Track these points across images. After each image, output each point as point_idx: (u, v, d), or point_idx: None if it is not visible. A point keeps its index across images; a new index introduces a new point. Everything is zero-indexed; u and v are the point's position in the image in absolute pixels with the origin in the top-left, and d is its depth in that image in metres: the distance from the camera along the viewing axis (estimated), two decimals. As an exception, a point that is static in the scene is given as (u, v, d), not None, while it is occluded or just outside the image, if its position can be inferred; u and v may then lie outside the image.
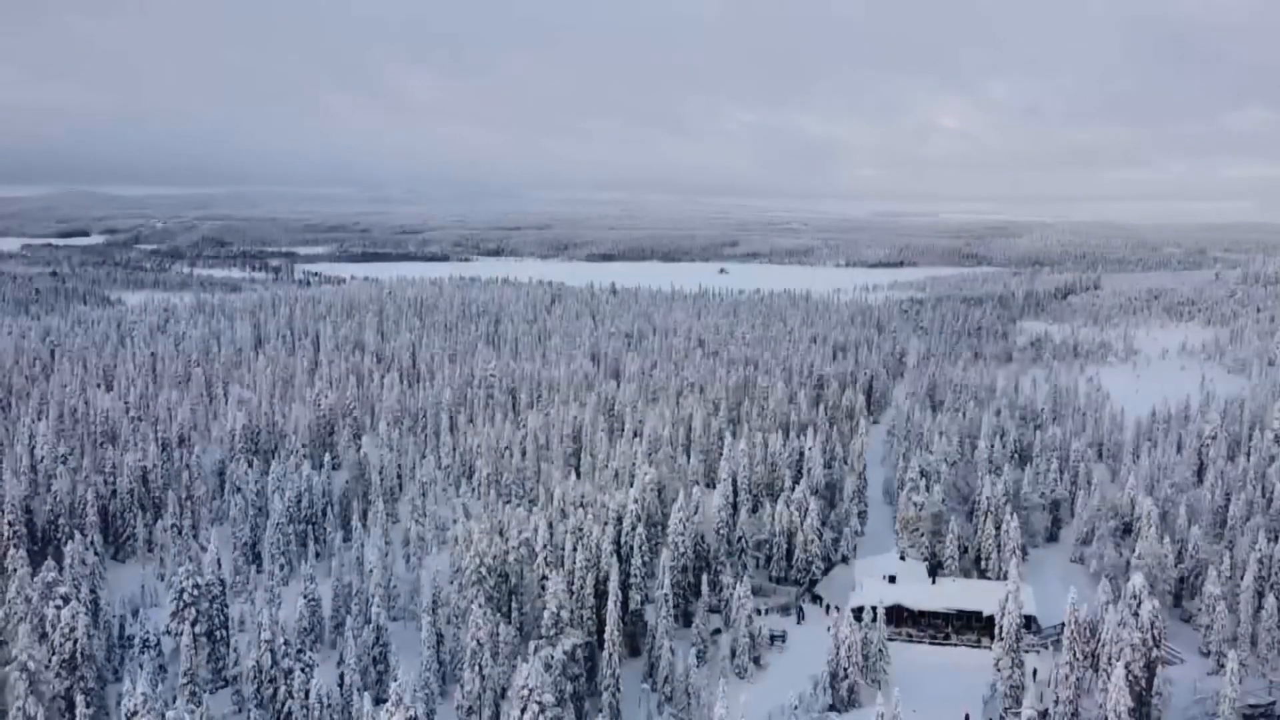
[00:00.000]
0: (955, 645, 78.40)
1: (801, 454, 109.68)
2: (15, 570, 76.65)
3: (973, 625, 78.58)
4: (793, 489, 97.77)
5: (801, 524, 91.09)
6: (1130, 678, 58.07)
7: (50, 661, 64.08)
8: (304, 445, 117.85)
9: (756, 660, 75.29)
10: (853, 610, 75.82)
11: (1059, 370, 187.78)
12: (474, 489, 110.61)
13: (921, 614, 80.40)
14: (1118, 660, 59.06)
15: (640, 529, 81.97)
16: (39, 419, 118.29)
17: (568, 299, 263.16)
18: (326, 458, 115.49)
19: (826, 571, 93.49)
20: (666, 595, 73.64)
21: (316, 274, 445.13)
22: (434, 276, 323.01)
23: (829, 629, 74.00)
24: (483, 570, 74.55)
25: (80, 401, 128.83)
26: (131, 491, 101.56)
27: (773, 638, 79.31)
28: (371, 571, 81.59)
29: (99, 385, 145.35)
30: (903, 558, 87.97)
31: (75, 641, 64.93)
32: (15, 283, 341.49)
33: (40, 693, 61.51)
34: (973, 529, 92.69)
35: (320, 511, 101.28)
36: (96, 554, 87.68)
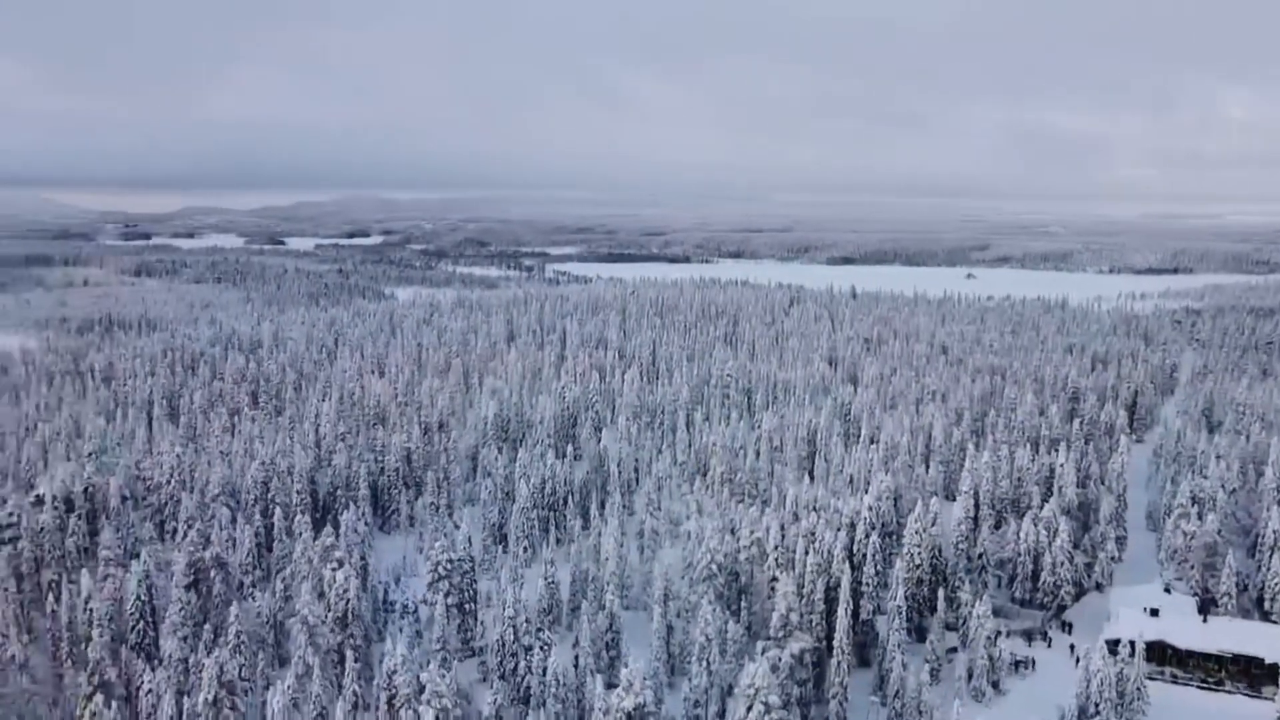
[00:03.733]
0: (1231, 693, 70.72)
1: (1052, 470, 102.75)
2: (300, 534, 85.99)
3: (1251, 672, 70.58)
4: (1041, 507, 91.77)
5: (1050, 545, 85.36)
6: None
7: (326, 618, 71.28)
8: (549, 435, 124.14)
9: (995, 685, 71.39)
10: (1106, 642, 70.18)
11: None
12: (707, 486, 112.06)
13: (1189, 654, 73.09)
14: None
15: (874, 537, 79.96)
16: (324, 400, 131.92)
17: (806, 302, 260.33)
18: (569, 448, 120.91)
19: (1077, 598, 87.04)
20: (900, 607, 71.41)
21: (565, 273, 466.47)
22: (675, 277, 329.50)
23: (1078, 660, 68.97)
24: (713, 567, 75.47)
25: (357, 386, 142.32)
26: (397, 470, 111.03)
27: (1015, 663, 74.89)
28: (607, 560, 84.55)
29: (373, 372, 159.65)
30: (1168, 590, 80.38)
31: (347, 602, 71.84)
32: (308, 278, 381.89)
33: (317, 644, 68.60)
34: (1255, 565, 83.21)
35: (562, 499, 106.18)
36: (366, 525, 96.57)
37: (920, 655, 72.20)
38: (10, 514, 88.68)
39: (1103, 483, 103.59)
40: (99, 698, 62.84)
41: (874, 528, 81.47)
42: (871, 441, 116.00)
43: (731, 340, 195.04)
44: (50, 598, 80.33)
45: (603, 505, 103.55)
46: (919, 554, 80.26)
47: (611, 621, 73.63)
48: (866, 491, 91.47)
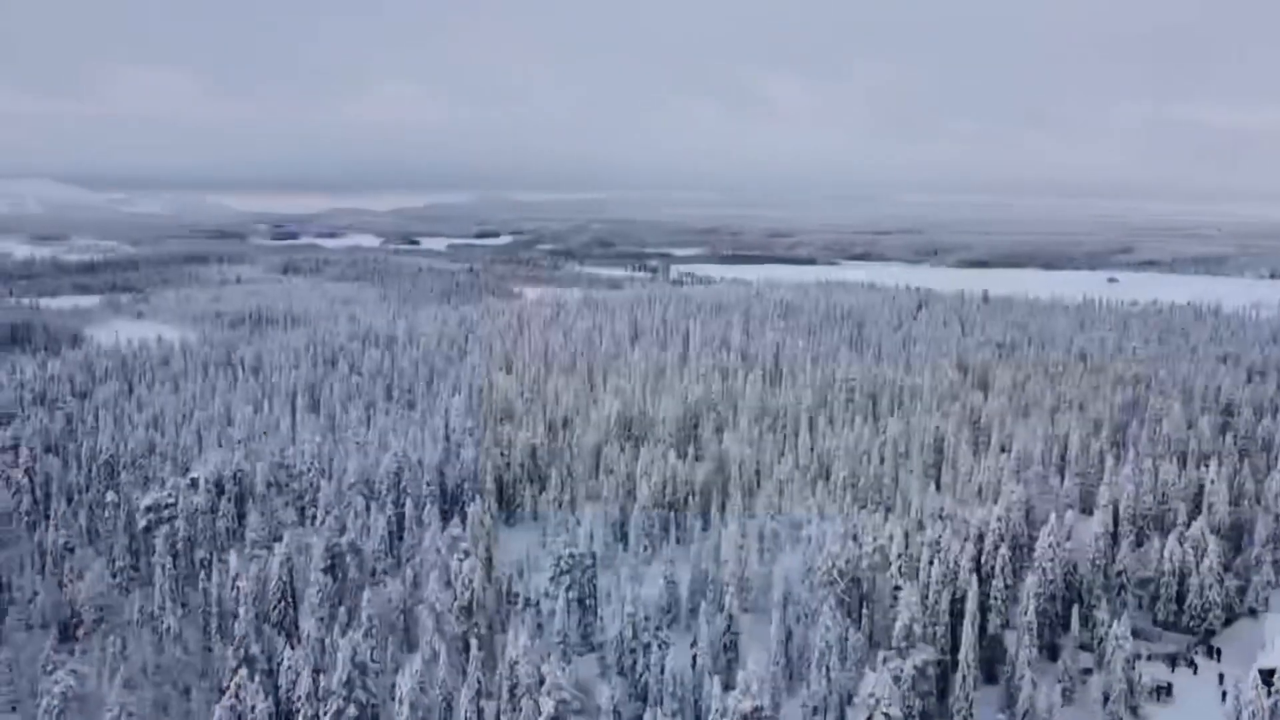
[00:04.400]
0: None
1: (1201, 486, 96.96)
2: (429, 524, 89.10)
3: None
4: (1188, 525, 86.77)
5: (1198, 565, 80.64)
6: None
7: (452, 606, 73.68)
8: (670, 435, 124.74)
9: (1134, 710, 67.95)
10: (1260, 672, 65.76)
11: None
12: (830, 491, 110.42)
13: (1353, 688, 67.83)
14: None
15: (1004, 549, 77.27)
16: (454, 395, 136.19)
17: (935, 305, 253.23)
18: (690, 449, 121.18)
19: (1228, 623, 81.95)
20: (1030, 623, 68.81)
21: (689, 274, 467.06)
22: (800, 279, 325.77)
23: (1225, 691, 64.95)
24: (835, 573, 74.40)
25: (486, 382, 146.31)
26: (522, 465, 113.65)
27: (1157, 689, 71.11)
28: (726, 562, 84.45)
29: (501, 368, 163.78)
30: (1331, 619, 74.88)
31: (472, 592, 74.06)
32: (441, 277, 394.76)
33: (444, 631, 70.97)
34: None
35: (682, 499, 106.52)
36: (492, 517, 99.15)
37: (1052, 675, 69.41)
38: (169, 495, 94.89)
39: (1259, 502, 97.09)
40: (243, 671, 66.63)
41: (1003, 539, 78.71)
42: (1002, 450, 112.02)
43: (856, 344, 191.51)
44: (202, 575, 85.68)
45: (723, 507, 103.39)
46: (1052, 569, 77.13)
47: (730, 623, 73.48)
48: (996, 502, 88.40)
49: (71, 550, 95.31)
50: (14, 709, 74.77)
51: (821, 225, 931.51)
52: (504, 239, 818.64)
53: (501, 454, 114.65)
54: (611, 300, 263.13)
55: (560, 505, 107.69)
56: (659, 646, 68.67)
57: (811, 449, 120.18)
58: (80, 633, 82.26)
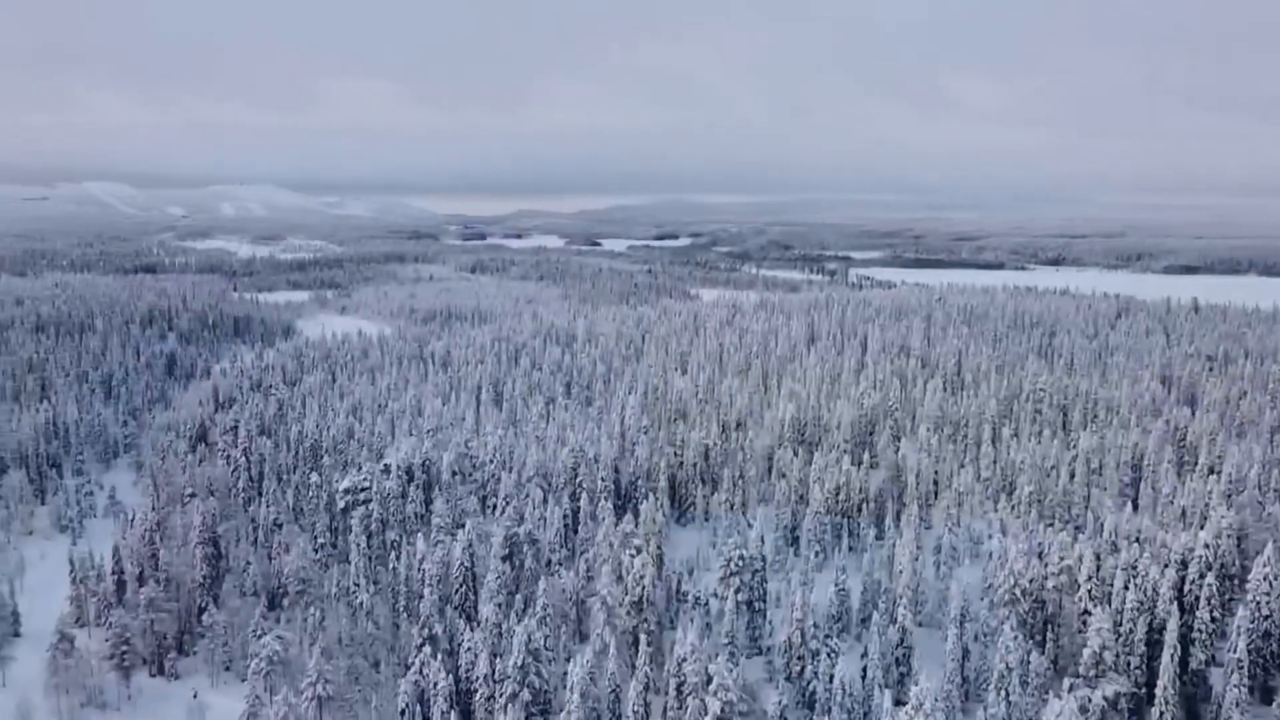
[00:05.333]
0: None
1: None
2: (603, 519, 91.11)
3: None
4: None
5: None
6: None
7: (623, 600, 75.11)
8: (845, 441, 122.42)
9: (1361, 764, 61.41)
10: None
11: None
12: (1013, 506, 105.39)
13: None
14: None
15: (1210, 579, 71.37)
16: (630, 393, 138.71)
17: (1136, 313, 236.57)
18: (865, 455, 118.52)
19: None
20: (1240, 661, 63.28)
21: (869, 278, 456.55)
22: (986, 284, 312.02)
23: None
24: (1017, 592, 71.05)
25: (661, 381, 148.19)
26: (695, 465, 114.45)
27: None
28: (901, 573, 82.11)
29: (676, 369, 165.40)
30: None
31: (643, 588, 75.21)
32: (620, 277, 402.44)
33: (614, 625, 72.43)
34: None
35: (856, 506, 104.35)
36: (664, 516, 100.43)
37: (1265, 718, 63.65)
38: (365, 479, 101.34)
39: None
40: (427, 649, 70.41)
41: (1210, 568, 72.72)
42: (1211, 472, 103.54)
43: (1046, 353, 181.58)
44: (392, 555, 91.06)
45: (898, 516, 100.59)
46: (1267, 603, 70.62)
47: (903, 636, 71.46)
48: (1203, 527, 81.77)
49: (280, 526, 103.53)
50: (228, 667, 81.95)
51: (1011, 227, 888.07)
52: (682, 241, 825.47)
53: (675, 453, 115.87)
54: (788, 303, 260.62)
55: (731, 507, 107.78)
56: (828, 655, 67.63)
57: (994, 461, 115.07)
58: (285, 602, 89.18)
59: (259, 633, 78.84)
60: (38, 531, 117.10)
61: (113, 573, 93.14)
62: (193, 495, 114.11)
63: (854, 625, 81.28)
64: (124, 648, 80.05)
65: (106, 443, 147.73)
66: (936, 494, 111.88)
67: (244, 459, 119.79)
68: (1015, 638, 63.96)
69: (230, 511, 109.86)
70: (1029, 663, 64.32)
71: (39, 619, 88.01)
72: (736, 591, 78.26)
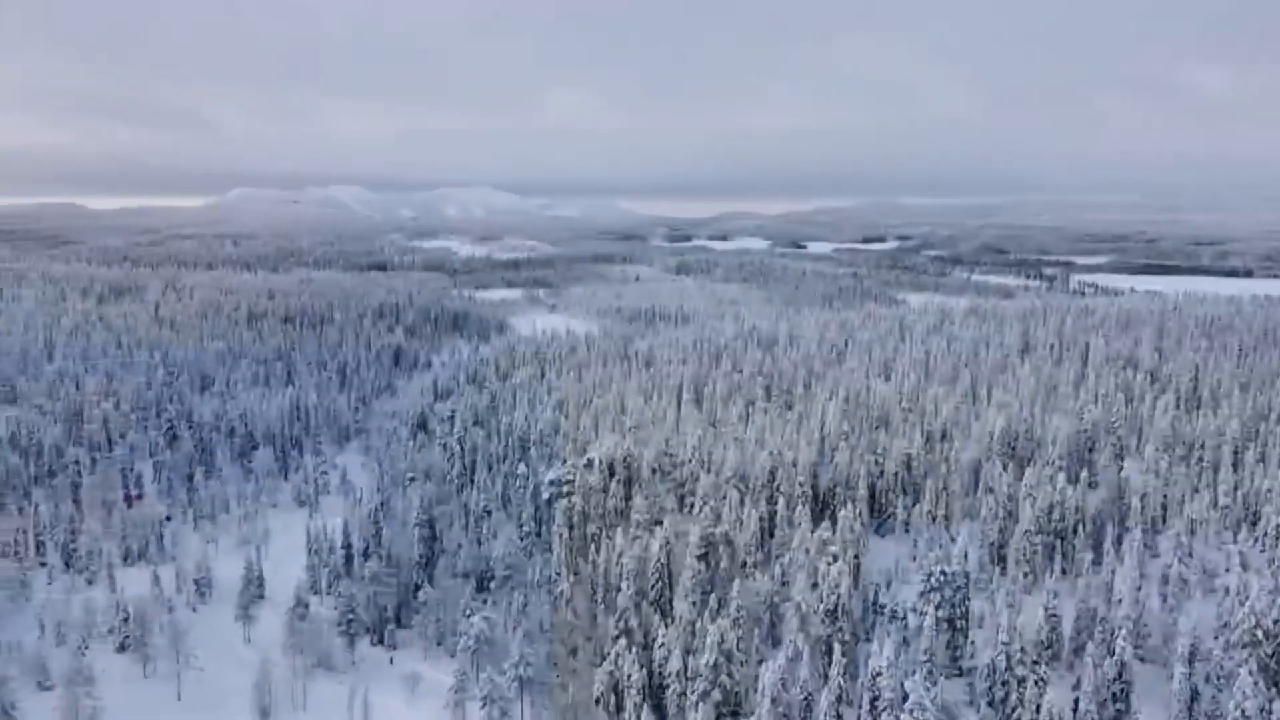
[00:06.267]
0: None
1: None
2: (800, 525, 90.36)
3: None
4: None
5: None
6: None
7: (817, 608, 74.23)
8: (1060, 457, 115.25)
9: None
10: None
11: None
12: (1256, 538, 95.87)
13: None
14: None
15: None
16: (830, 399, 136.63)
17: None
18: (1083, 473, 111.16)
19: None
20: None
21: (1093, 284, 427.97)
22: (1231, 293, 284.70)
23: None
24: (1259, 633, 64.73)
25: (863, 388, 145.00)
26: (896, 474, 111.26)
27: None
28: (1120, 601, 76.64)
29: (879, 375, 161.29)
30: None
31: (838, 596, 74.05)
32: (824, 281, 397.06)
33: (808, 632, 71.75)
34: None
35: (1071, 527, 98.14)
36: (862, 525, 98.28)
37: None
38: (568, 472, 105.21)
39: None
40: (623, 641, 72.37)
41: None
42: None
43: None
44: (592, 548, 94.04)
45: (1119, 540, 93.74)
46: None
47: (1121, 670, 66.67)
48: None
49: (489, 513, 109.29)
50: (439, 642, 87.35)
51: (1261, 231, 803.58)
52: (889, 244, 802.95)
53: (875, 461, 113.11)
54: (1001, 310, 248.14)
55: (934, 519, 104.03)
56: (1035, 682, 64.11)
57: (1235, 488, 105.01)
58: (492, 585, 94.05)
59: (468, 612, 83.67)
60: (280, 505, 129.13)
61: (342, 546, 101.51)
62: (412, 479, 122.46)
63: (1065, 654, 76.55)
64: (350, 616, 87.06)
65: (340, 426, 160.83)
66: (1164, 519, 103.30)
67: (459, 447, 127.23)
68: (1255, 683, 58.31)
69: (445, 496, 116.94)
70: (1270, 712, 58.47)
71: (280, 584, 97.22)
72: (937, 607, 75.54)
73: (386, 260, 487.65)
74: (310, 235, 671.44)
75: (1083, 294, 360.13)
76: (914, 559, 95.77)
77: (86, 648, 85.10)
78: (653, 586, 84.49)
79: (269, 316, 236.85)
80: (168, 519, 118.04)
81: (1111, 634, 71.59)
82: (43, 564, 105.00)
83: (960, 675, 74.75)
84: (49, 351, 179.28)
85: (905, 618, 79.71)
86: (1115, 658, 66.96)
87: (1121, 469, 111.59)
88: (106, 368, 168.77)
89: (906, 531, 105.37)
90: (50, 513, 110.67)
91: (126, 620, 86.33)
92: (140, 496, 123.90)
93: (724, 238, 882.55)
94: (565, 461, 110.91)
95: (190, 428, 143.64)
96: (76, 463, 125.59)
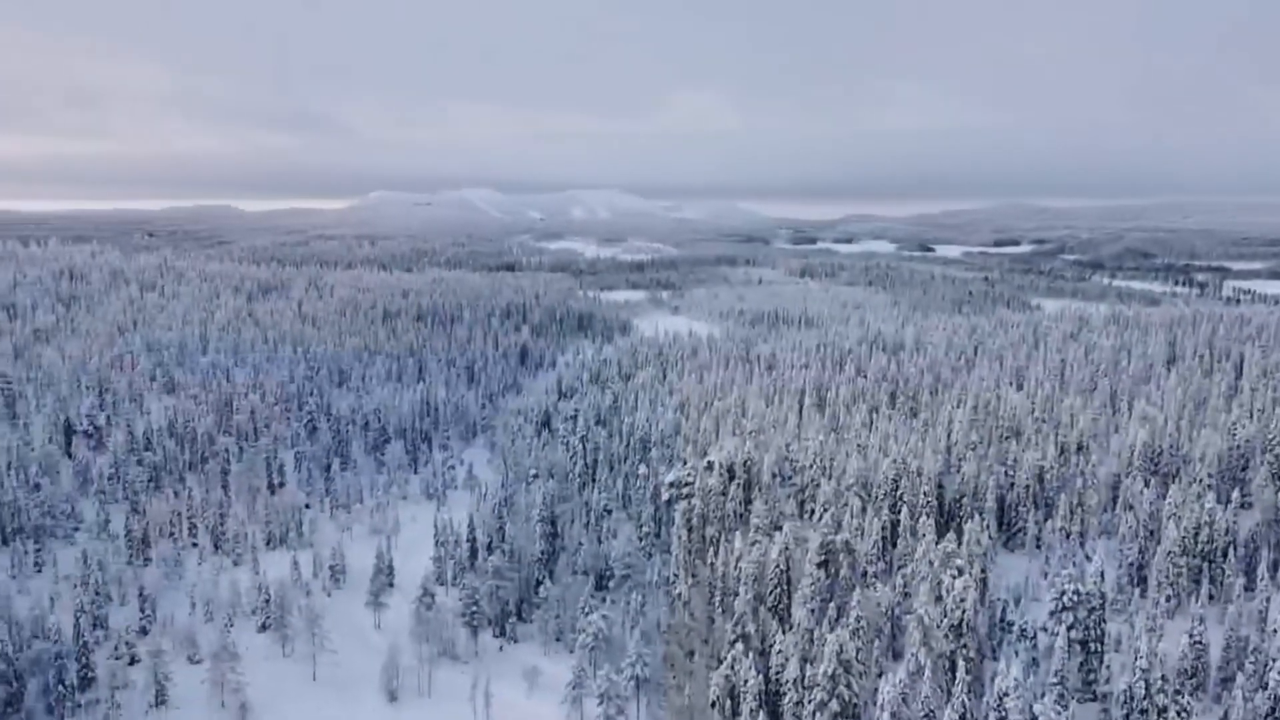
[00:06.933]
0: None
1: None
2: (924, 535, 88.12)
3: None
4: None
5: None
6: None
7: (941, 622, 72.22)
8: (1209, 475, 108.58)
9: None
10: None
11: None
12: None
13: None
14: None
15: None
16: (958, 407, 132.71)
17: None
18: (1235, 493, 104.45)
19: None
20: None
21: (1248, 291, 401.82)
22: None
23: None
24: None
25: (993, 396, 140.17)
26: (1027, 487, 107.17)
27: None
28: (1276, 632, 71.76)
29: (1010, 383, 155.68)
30: None
31: (963, 611, 71.88)
32: (953, 285, 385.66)
33: (930, 646, 69.93)
34: None
35: (1220, 550, 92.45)
36: (990, 538, 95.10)
37: None
38: (688, 474, 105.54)
39: None
40: (739, 646, 72.15)
41: None
42: None
43: None
44: (710, 551, 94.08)
45: (1275, 566, 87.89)
46: None
47: (1275, 705, 62.44)
48: None
49: (609, 512, 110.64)
50: (558, 638, 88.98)
51: None
52: (1024, 247, 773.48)
53: (1005, 473, 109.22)
54: (1145, 317, 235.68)
55: (1068, 536, 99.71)
56: (1178, 713, 60.72)
57: None
58: (611, 584, 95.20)
59: (587, 610, 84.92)
60: (410, 497, 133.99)
61: (467, 539, 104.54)
62: (535, 476, 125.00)
63: (1211, 685, 72.24)
64: (473, 608, 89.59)
65: (467, 422, 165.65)
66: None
67: (581, 446, 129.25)
68: None
69: (567, 494, 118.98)
70: None
71: (408, 574, 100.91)
72: (1070, 628, 72.37)
73: (515, 261, 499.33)
74: (443, 236, 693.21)
75: (1237, 301, 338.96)
76: (1045, 576, 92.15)
77: (232, 625, 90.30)
78: (771, 592, 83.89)
79: (402, 315, 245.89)
80: (306, 507, 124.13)
81: (1265, 666, 67.16)
82: (194, 545, 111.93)
83: (1094, 700, 71.42)
84: (203, 345, 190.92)
85: (1035, 637, 76.67)
86: (1269, 691, 62.78)
87: (1278, 489, 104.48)
88: (254, 361, 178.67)
89: (1038, 547, 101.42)
90: (202, 497, 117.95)
91: (268, 602, 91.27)
92: (282, 485, 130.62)
93: (849, 240, 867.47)
94: (685, 463, 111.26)
95: (328, 420, 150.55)
96: (226, 451, 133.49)
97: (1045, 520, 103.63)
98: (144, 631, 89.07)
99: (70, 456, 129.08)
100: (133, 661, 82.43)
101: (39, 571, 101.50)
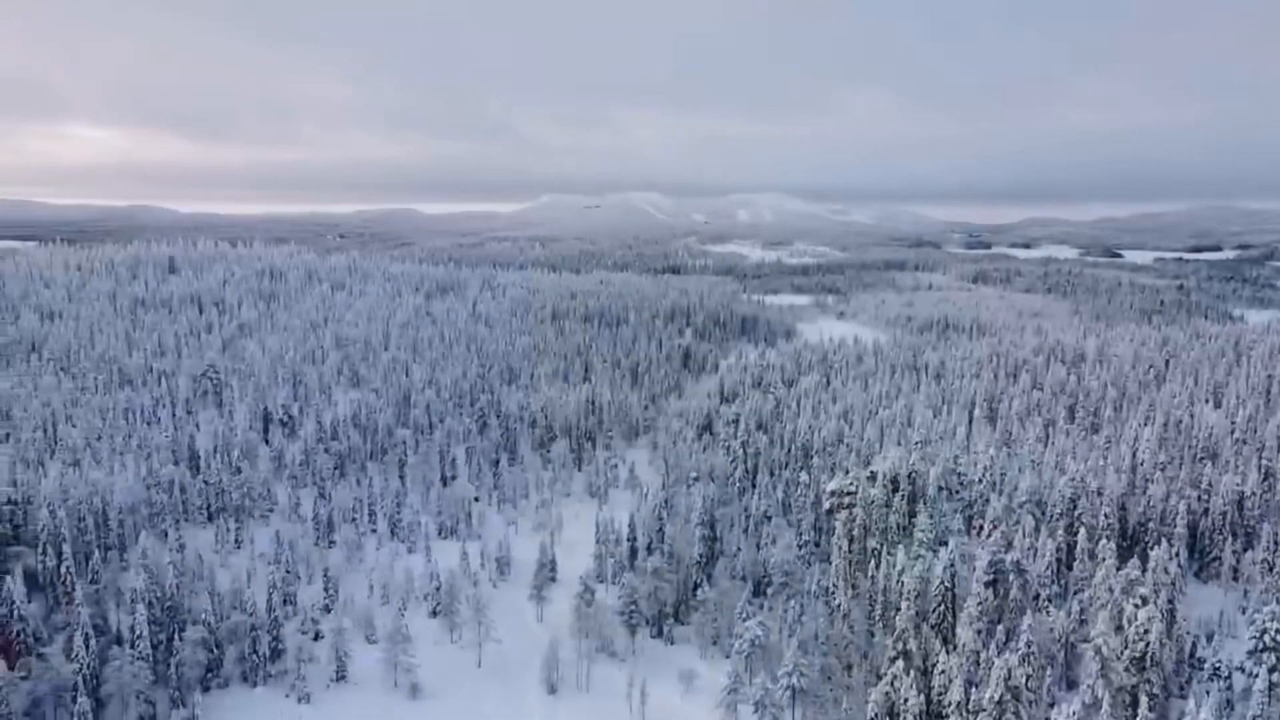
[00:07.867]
0: None
1: None
2: (1104, 560, 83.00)
3: None
4: None
5: None
6: None
7: (1121, 654, 67.97)
8: None
9: None
10: None
11: None
12: None
13: None
14: None
15: None
16: (1145, 424, 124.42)
17: None
18: None
19: None
20: None
21: None
22: None
23: None
24: None
25: (1185, 414, 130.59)
26: (1224, 514, 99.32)
27: None
28: None
29: (1206, 401, 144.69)
30: None
31: (1147, 644, 67.41)
32: (1143, 293, 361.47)
33: (1108, 678, 65.95)
34: None
35: None
36: (1180, 567, 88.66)
37: None
38: (850, 483, 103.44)
39: None
40: (900, 663, 70.26)
41: None
42: None
43: None
44: (872, 564, 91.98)
45: None
46: None
47: None
48: None
49: (769, 518, 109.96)
50: (715, 642, 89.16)
51: None
52: (1226, 253, 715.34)
53: (1199, 498, 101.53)
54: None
55: (1270, 568, 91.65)
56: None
57: None
58: (769, 591, 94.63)
59: (744, 616, 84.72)
60: (573, 494, 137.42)
61: (628, 539, 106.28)
62: (696, 479, 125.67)
63: None
64: (632, 607, 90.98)
65: (630, 423, 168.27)
66: None
67: (742, 451, 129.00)
68: None
69: (726, 498, 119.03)
70: None
71: (569, 569, 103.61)
72: (1271, 670, 66.55)
73: (680, 264, 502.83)
74: (610, 239, 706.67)
75: None
76: (1243, 611, 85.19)
77: (405, 609, 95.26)
78: (934, 609, 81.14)
79: (570, 316, 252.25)
80: (476, 499, 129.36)
81: None
82: (373, 530, 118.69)
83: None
84: (385, 341, 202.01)
85: (1230, 677, 71.00)
86: None
87: None
88: (431, 358, 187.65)
89: (1235, 579, 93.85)
90: (381, 485, 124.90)
91: (439, 589, 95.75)
92: (454, 477, 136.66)
93: (1027, 245, 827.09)
94: (848, 472, 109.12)
95: (498, 417, 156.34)
96: (404, 443, 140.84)
97: (1244, 551, 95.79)
98: (327, 609, 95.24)
99: (267, 443, 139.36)
100: (317, 637, 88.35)
101: (238, 548, 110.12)
